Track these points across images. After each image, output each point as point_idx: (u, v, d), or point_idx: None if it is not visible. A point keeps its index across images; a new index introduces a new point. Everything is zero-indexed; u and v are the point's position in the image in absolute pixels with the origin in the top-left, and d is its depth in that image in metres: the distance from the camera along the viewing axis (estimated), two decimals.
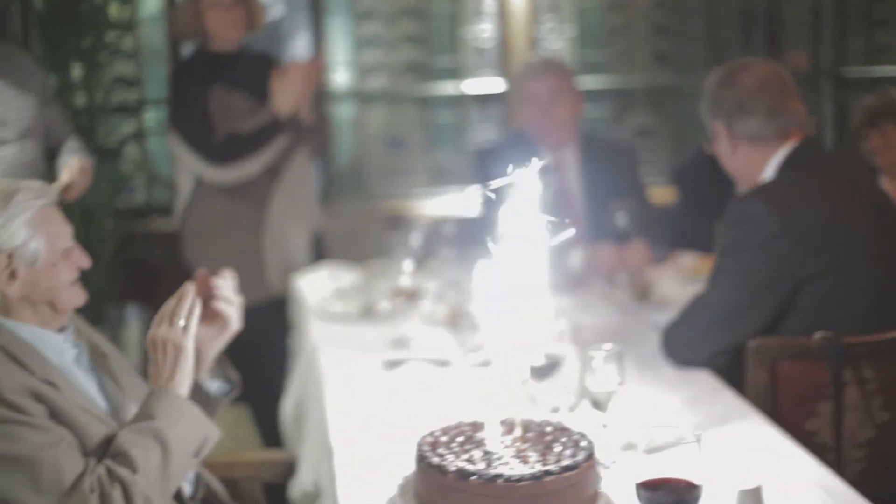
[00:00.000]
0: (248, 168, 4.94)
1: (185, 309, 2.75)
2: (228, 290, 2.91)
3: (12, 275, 2.64)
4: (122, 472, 2.50)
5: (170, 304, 2.78)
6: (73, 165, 3.95)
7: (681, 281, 4.28)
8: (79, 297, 2.76)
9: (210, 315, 2.95)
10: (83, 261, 2.77)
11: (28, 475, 2.44)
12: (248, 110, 4.97)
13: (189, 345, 2.74)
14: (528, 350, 2.51)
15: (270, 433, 4.61)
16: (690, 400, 3.10)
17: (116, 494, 2.47)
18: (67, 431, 2.53)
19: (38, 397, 2.53)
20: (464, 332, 3.55)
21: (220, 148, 4.92)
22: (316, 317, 4.16)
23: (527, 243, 2.42)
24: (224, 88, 4.96)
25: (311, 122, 5.03)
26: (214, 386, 3.02)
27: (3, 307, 2.66)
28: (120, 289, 6.14)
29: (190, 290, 2.78)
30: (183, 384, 2.73)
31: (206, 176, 4.99)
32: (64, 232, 2.74)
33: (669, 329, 3.41)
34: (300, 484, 3.32)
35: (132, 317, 6.22)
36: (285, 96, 4.89)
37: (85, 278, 2.80)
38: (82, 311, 2.96)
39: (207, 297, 2.93)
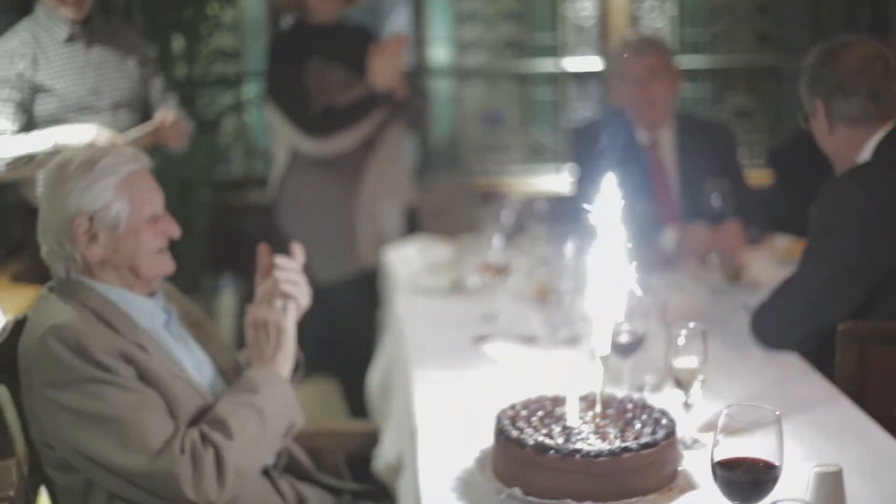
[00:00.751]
0: (344, 141, 4.97)
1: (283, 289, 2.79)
2: (293, 271, 2.92)
3: (93, 237, 2.67)
4: (217, 437, 2.54)
5: (266, 284, 2.82)
6: (164, 114, 4.01)
7: (774, 263, 4.23)
8: (164, 265, 2.79)
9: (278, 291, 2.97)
10: (172, 230, 2.80)
11: (115, 435, 2.48)
12: (345, 83, 4.99)
13: (289, 326, 2.78)
14: (612, 327, 2.50)
15: (358, 405, 4.65)
16: (776, 382, 3.07)
17: (209, 458, 2.51)
18: (155, 393, 2.57)
19: (128, 359, 2.57)
20: (552, 309, 3.54)
21: (317, 120, 4.95)
22: (405, 290, 4.17)
23: (617, 221, 2.40)
24: (321, 61, 4.99)
25: (405, 97, 5.04)
26: None
27: (86, 269, 2.70)
28: (215, 259, 6.21)
29: (273, 267, 2.83)
30: (285, 364, 2.78)
31: (302, 148, 5.02)
32: (152, 199, 2.76)
33: (759, 311, 3.37)
34: (384, 456, 3.34)
35: (226, 287, 6.29)
36: (382, 71, 4.91)
37: (180, 248, 2.83)
38: (177, 280, 3.00)
39: (270, 272, 2.93)
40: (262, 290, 2.84)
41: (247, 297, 3.26)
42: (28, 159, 3.84)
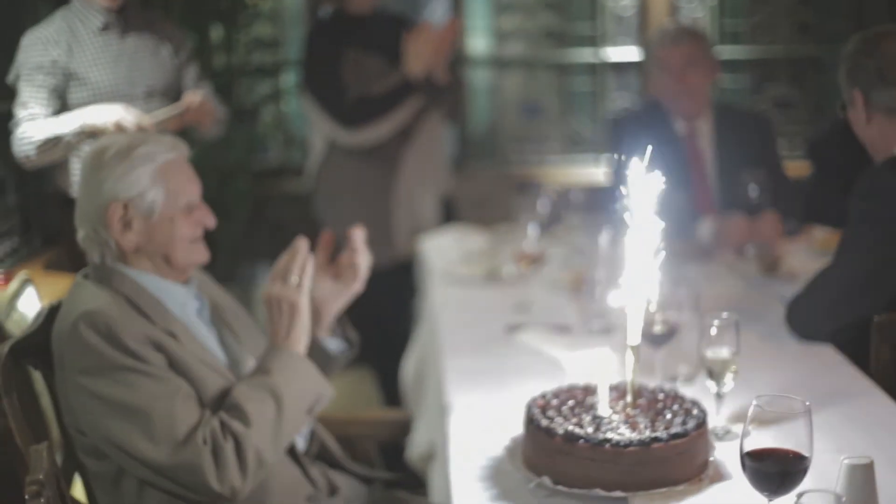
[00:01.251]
0: (380, 130, 4.97)
1: (298, 266, 2.78)
2: (362, 246, 2.95)
3: (127, 225, 2.69)
4: (236, 425, 2.54)
5: (282, 261, 2.81)
6: (191, 96, 4.04)
7: (811, 255, 4.20)
8: (199, 254, 2.80)
9: (334, 273, 3.00)
10: (208, 220, 2.81)
11: (142, 426, 2.49)
12: (381, 73, 4.99)
13: (304, 302, 2.77)
14: (645, 317, 2.50)
15: (392, 395, 4.66)
16: (810, 373, 3.05)
17: (229, 448, 2.51)
18: (184, 382, 2.58)
19: (158, 346, 2.58)
20: (586, 299, 3.53)
21: (352, 110, 4.96)
22: (441, 279, 4.18)
23: (651, 210, 2.38)
24: (357, 51, 5.00)
25: (445, 84, 5.03)
26: (333, 344, 3.05)
27: (120, 256, 2.71)
28: (253, 248, 6.23)
29: (302, 247, 2.81)
30: (299, 341, 2.76)
31: (338, 138, 5.03)
32: (188, 189, 2.77)
33: (794, 302, 3.35)
34: (417, 445, 3.34)
35: (263, 276, 6.31)
36: (418, 58, 4.90)
37: (218, 237, 2.85)
38: (214, 269, 3.01)
39: (331, 256, 2.98)
40: (276, 266, 2.83)
41: None
42: (56, 141, 3.88)
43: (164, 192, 2.72)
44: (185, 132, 4.10)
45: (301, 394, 2.70)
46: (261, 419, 2.57)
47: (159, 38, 4.21)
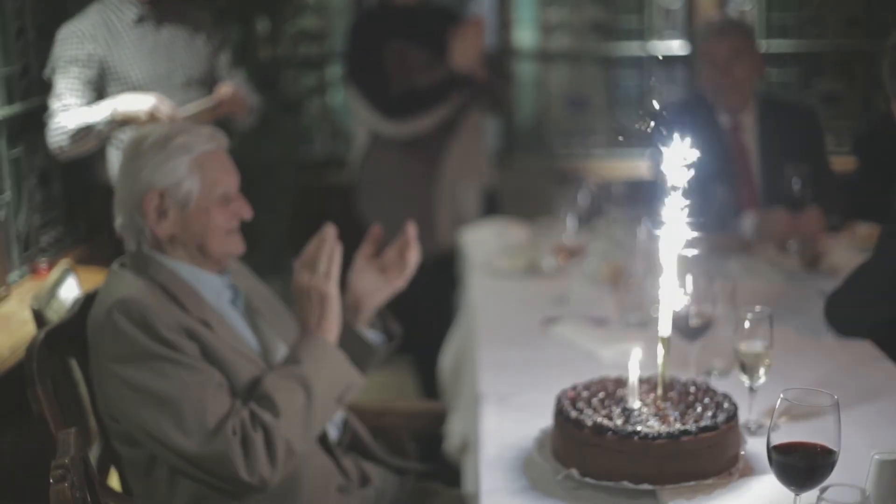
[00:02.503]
0: (423, 123, 4.98)
1: (326, 254, 2.78)
2: (414, 242, 3.01)
3: (163, 214, 2.71)
4: (265, 416, 2.55)
5: (309, 249, 2.82)
6: (223, 88, 4.06)
7: (854, 250, 4.15)
8: (234, 245, 2.81)
9: (380, 266, 3.01)
10: (244, 211, 2.82)
11: (174, 415, 2.50)
12: (426, 65, 5.00)
13: (333, 291, 2.78)
14: (677, 309, 2.49)
15: (431, 386, 4.66)
16: (846, 368, 3.02)
17: (258, 438, 2.52)
18: (217, 371, 2.59)
19: (192, 335, 2.59)
20: (624, 292, 3.52)
21: (396, 102, 4.97)
22: (481, 272, 4.17)
23: (690, 206, 2.37)
24: (402, 43, 5.01)
25: (485, 80, 5.04)
26: (373, 336, 3.05)
27: (156, 244, 2.73)
28: (297, 240, 6.24)
29: (329, 234, 2.81)
30: (330, 330, 2.77)
31: (381, 129, 5.04)
32: (225, 180, 2.78)
33: (832, 297, 3.31)
34: (453, 437, 3.34)
35: None
36: (463, 54, 4.91)
37: (262, 229, 2.86)
38: (258, 260, 3.03)
39: (378, 250, 2.99)
40: (303, 255, 2.84)
41: None
42: (88, 130, 3.92)
43: (201, 183, 2.73)
44: (222, 123, 4.12)
45: (331, 382, 2.70)
46: (290, 409, 2.58)
47: (193, 28, 4.25)
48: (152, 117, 3.82)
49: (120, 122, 3.90)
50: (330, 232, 2.82)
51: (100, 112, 3.91)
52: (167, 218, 2.72)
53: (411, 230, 3.04)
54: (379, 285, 3.05)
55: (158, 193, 2.71)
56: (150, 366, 2.52)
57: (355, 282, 2.98)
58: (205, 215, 2.74)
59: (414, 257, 3.04)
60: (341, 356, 2.75)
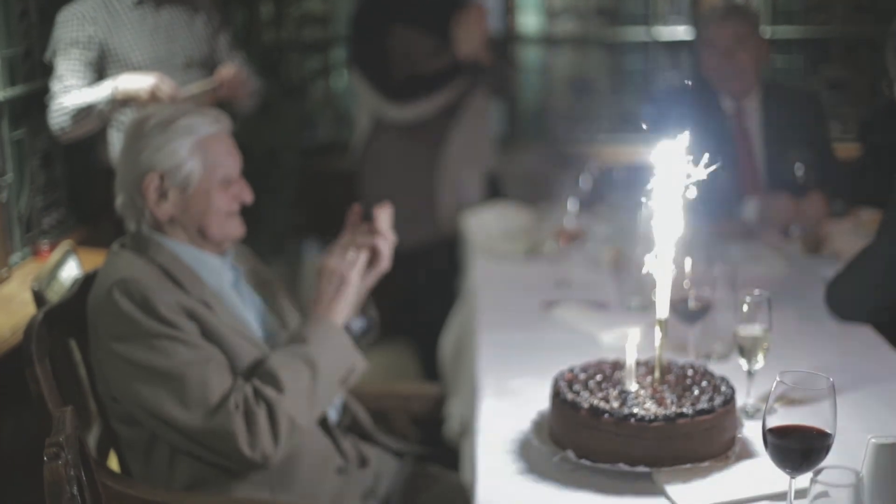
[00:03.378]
0: (425, 107, 4.97)
1: (359, 245, 2.80)
2: (385, 226, 2.94)
3: (163, 195, 2.71)
4: (269, 391, 2.55)
5: (346, 237, 2.83)
6: (223, 70, 4.06)
7: (857, 236, 4.14)
8: (233, 229, 2.81)
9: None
10: (245, 195, 2.82)
11: (175, 391, 2.51)
12: (430, 49, 4.98)
13: (354, 277, 2.79)
14: (674, 291, 2.48)
15: (432, 370, 4.66)
16: (846, 353, 3.02)
17: (261, 413, 2.53)
18: (217, 350, 2.60)
19: (192, 315, 2.60)
20: (625, 276, 3.52)
21: (399, 86, 4.96)
22: (482, 255, 4.17)
23: (688, 189, 2.37)
24: (405, 26, 4.99)
25: (490, 64, 5.03)
26: (356, 324, 3.05)
27: (155, 225, 2.73)
28: (300, 224, 6.24)
29: (366, 226, 2.83)
30: (340, 313, 2.78)
31: (384, 113, 5.04)
32: (227, 163, 2.78)
33: (833, 282, 3.31)
34: (451, 420, 3.34)
35: (310, 252, 6.32)
36: (466, 40, 4.90)
37: (266, 213, 2.85)
38: (262, 244, 3.02)
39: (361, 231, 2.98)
40: (339, 241, 2.86)
41: None
42: (89, 110, 3.92)
43: (202, 165, 2.73)
44: (224, 107, 4.12)
45: (335, 364, 2.71)
46: (294, 387, 2.59)
47: (193, 9, 4.24)
48: (153, 96, 3.82)
49: (121, 102, 3.89)
50: (368, 224, 2.86)
51: (100, 91, 3.91)
52: (167, 200, 2.72)
53: (381, 216, 2.94)
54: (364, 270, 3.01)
55: (159, 175, 2.71)
56: (151, 344, 2.53)
57: None
58: (205, 198, 2.74)
59: (384, 244, 2.95)
60: (347, 339, 2.77)
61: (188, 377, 2.52)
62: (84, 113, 3.93)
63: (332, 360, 2.71)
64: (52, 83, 4.02)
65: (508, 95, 6.05)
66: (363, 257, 2.83)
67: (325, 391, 2.69)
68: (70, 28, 4.02)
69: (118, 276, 2.61)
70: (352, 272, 2.81)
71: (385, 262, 2.95)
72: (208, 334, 2.62)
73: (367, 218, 2.94)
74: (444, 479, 3.03)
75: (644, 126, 2.37)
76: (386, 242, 2.93)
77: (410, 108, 4.98)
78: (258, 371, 2.63)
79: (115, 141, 4.11)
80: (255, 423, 2.52)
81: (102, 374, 2.64)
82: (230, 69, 4.05)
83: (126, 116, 4.01)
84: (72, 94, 3.96)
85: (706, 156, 2.35)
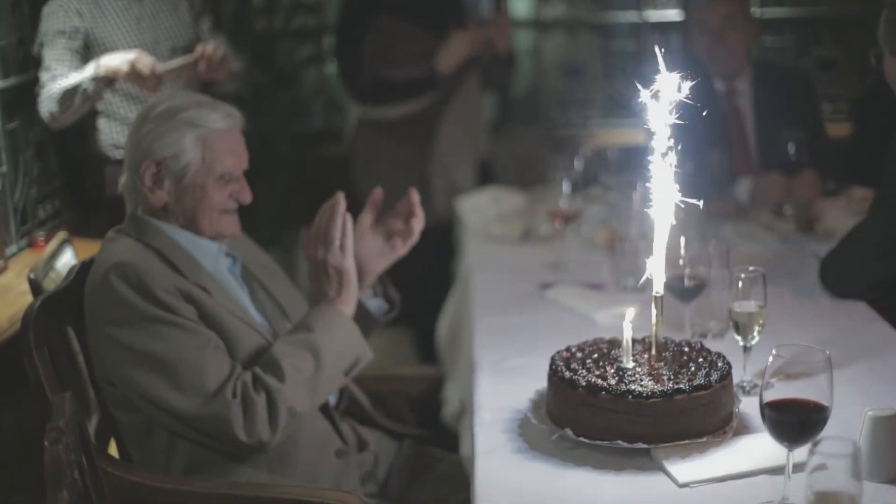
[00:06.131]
0: (391, 113, 4.98)
1: (338, 228, 2.78)
2: (419, 209, 2.97)
3: (158, 182, 2.71)
4: (269, 380, 2.55)
5: (321, 222, 2.81)
6: (203, 46, 4.08)
7: (850, 214, 4.15)
8: (227, 226, 2.80)
9: (385, 233, 3.00)
10: (243, 195, 2.81)
11: (171, 376, 2.52)
12: (411, 48, 4.95)
13: (350, 265, 2.78)
14: (673, 271, 2.49)
15: (429, 354, 4.67)
16: (842, 329, 3.03)
17: (260, 401, 2.52)
18: (215, 334, 2.59)
19: (189, 298, 2.60)
20: (620, 257, 3.53)
21: (367, 88, 4.98)
22: (477, 239, 4.19)
23: (682, 167, 2.37)
24: (391, 18, 4.96)
25: (504, 55, 5.05)
26: (374, 304, 3.06)
27: (150, 210, 2.74)
28: (295, 212, 6.24)
29: (340, 206, 2.81)
30: (349, 302, 2.78)
31: (354, 109, 5.08)
32: (228, 160, 2.77)
33: (827, 258, 3.33)
34: (450, 403, 3.35)
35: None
36: (450, 57, 4.89)
37: (261, 202, 2.84)
38: (257, 232, 3.02)
39: (380, 215, 2.98)
40: (315, 228, 2.82)
41: None
42: (74, 90, 3.94)
43: (201, 159, 2.73)
44: (206, 89, 4.13)
45: (341, 354, 2.71)
46: (297, 376, 2.59)
47: (176, 1, 4.28)
48: (133, 69, 3.85)
49: (104, 80, 3.92)
50: (340, 203, 2.81)
51: (84, 72, 3.94)
52: (162, 187, 2.73)
53: (414, 196, 3.01)
54: (382, 252, 3.02)
55: (156, 162, 2.71)
56: (148, 328, 2.53)
57: (357, 248, 2.93)
58: (199, 191, 2.74)
59: (418, 224, 3.00)
60: (355, 329, 2.76)
61: (184, 362, 2.53)
62: (70, 94, 3.95)
63: (338, 350, 2.70)
64: (40, 74, 4.05)
65: (500, 87, 6.05)
66: (350, 240, 2.81)
67: (329, 381, 2.69)
68: (56, 20, 4.05)
69: (115, 259, 2.61)
70: (346, 260, 2.79)
71: (408, 246, 2.98)
72: (206, 318, 2.62)
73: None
74: (444, 461, 3.04)
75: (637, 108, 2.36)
76: (420, 223, 2.96)
77: (375, 111, 5.00)
78: (263, 359, 2.63)
79: (104, 128, 4.15)
80: (253, 411, 2.51)
81: (99, 359, 2.64)
82: (210, 45, 4.06)
83: (113, 104, 4.03)
84: (59, 80, 3.98)
85: (700, 136, 2.35)
